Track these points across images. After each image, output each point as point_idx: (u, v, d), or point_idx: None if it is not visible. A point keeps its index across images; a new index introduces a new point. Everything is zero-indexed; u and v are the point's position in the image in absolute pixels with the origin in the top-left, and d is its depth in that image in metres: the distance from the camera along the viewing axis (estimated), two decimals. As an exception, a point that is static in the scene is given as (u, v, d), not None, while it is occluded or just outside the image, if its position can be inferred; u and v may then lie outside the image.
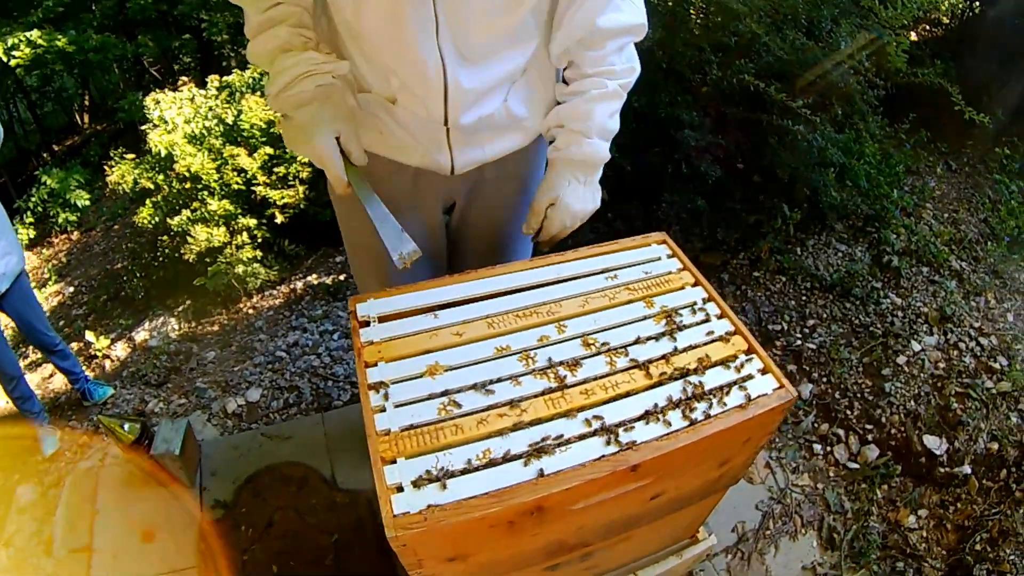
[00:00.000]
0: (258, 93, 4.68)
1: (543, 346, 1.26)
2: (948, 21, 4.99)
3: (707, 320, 1.34)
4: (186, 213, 4.55)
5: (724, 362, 1.25)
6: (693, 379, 1.21)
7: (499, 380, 1.20)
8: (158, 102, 4.90)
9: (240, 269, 4.36)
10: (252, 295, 4.71)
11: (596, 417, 1.14)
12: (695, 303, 1.37)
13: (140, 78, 9.61)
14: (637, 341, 1.27)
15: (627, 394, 1.18)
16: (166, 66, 9.56)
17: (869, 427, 2.67)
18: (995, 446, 2.55)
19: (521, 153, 1.57)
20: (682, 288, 1.41)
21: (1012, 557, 2.28)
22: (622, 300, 1.36)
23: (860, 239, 3.44)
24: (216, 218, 4.45)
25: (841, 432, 2.69)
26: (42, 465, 3.03)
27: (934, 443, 2.58)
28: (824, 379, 2.84)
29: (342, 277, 4.44)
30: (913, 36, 4.80)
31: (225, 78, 5.18)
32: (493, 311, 1.33)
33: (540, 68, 1.45)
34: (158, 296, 5.42)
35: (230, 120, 4.60)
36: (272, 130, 4.45)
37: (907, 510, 2.48)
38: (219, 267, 4.41)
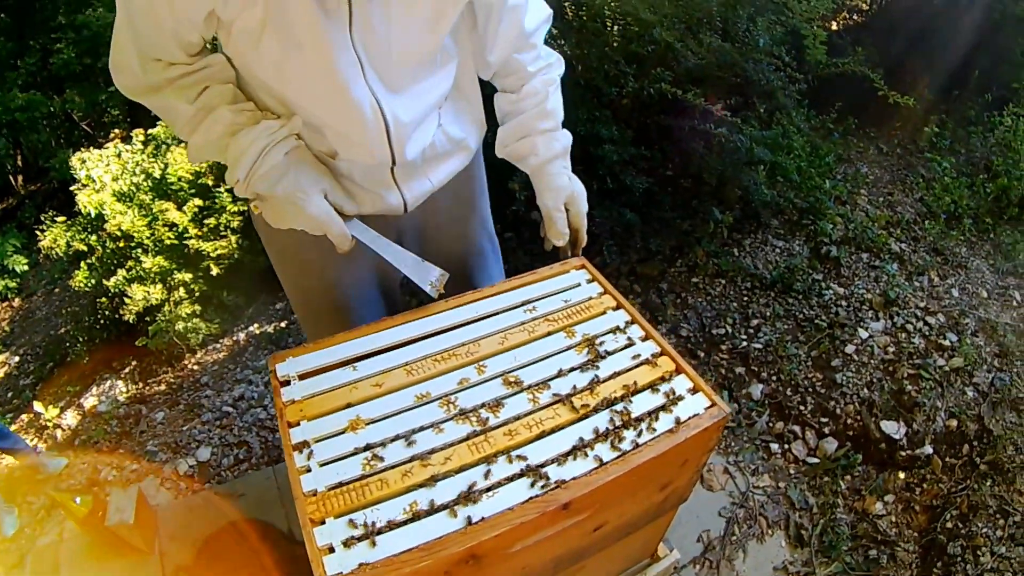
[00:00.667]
0: (183, 145, 4.56)
1: (463, 389, 1.22)
2: (867, 7, 5.11)
3: (631, 344, 1.30)
4: (121, 273, 4.42)
5: (651, 385, 1.21)
6: (619, 407, 1.16)
7: (421, 429, 1.16)
8: (84, 161, 4.76)
9: (180, 326, 4.24)
10: (196, 351, 4.59)
11: (520, 458, 1.10)
12: (618, 327, 1.33)
13: (70, 134, 9.39)
14: (559, 374, 1.23)
15: (552, 431, 1.14)
16: (96, 121, 9.36)
17: (825, 420, 2.67)
18: (954, 423, 2.56)
19: (465, 172, 1.56)
20: (603, 313, 1.37)
21: (985, 530, 2.28)
22: (541, 333, 1.32)
23: (797, 233, 3.46)
24: (152, 276, 4.32)
25: (797, 428, 2.68)
26: (3, 545, 2.93)
27: (892, 428, 2.58)
28: (774, 377, 2.83)
29: (283, 324, 4.37)
30: (834, 25, 4.90)
31: (150, 131, 5.06)
32: (412, 357, 1.28)
33: (462, 84, 1.45)
34: (103, 359, 5.29)
35: (157, 174, 4.48)
36: (200, 181, 4.36)
37: (873, 497, 2.47)
38: (159, 325, 4.28)
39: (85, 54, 7.83)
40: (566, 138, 1.50)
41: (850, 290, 3.10)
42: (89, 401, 4.90)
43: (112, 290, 4.48)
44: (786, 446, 2.65)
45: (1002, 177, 3.69)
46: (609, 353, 1.28)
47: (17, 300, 7.61)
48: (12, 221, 8.42)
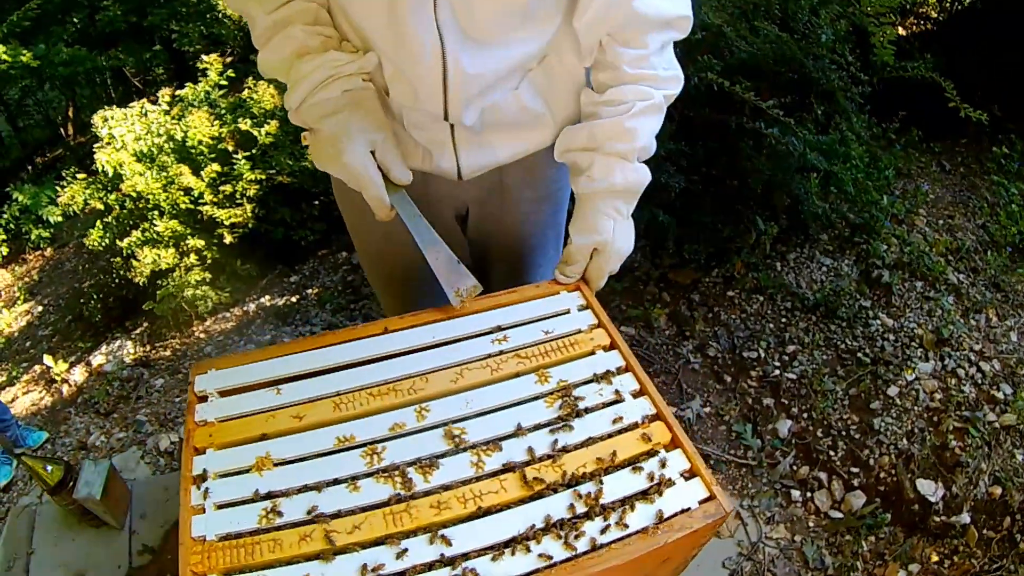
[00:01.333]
0: (205, 108, 4.41)
1: (395, 437, 0.97)
2: (936, 15, 4.72)
3: (618, 400, 1.02)
4: (136, 234, 4.32)
5: (634, 461, 0.94)
6: (585, 489, 0.90)
7: (335, 483, 0.92)
8: (106, 119, 4.65)
9: (189, 292, 4.12)
10: (205, 318, 4.48)
11: (445, 540, 0.85)
12: (607, 373, 1.06)
13: (116, 90, 9.42)
14: (516, 433, 0.97)
15: (491, 510, 0.88)
16: (145, 79, 9.38)
17: (855, 470, 2.37)
18: (997, 490, 2.26)
19: (545, 151, 1.33)
20: (591, 353, 1.09)
21: (1016, 619, 2.01)
22: (507, 373, 1.05)
23: (847, 251, 3.14)
24: (165, 239, 4.20)
25: (823, 476, 2.38)
26: (-5, 496, 2.96)
27: (928, 488, 2.28)
28: (805, 414, 2.53)
29: (294, 299, 4.22)
30: (901, 31, 4.53)
31: (178, 92, 4.93)
32: (345, 387, 1.04)
33: (562, 55, 1.20)
34: (117, 318, 5.26)
35: (180, 137, 4.34)
36: (220, 146, 4.20)
37: (896, 565, 2.19)
38: (167, 290, 4.16)
39: (131, 12, 7.83)
40: (637, 175, 1.22)
41: (900, 323, 2.78)
42: (97, 359, 4.87)
43: (125, 251, 4.39)
44: (808, 494, 2.36)
45: (1074, 211, 3.32)
46: (588, 410, 1.00)
47: (49, 250, 7.69)
48: (53, 171, 8.50)
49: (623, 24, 1.12)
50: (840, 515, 2.30)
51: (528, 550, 0.84)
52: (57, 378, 4.75)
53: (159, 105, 4.79)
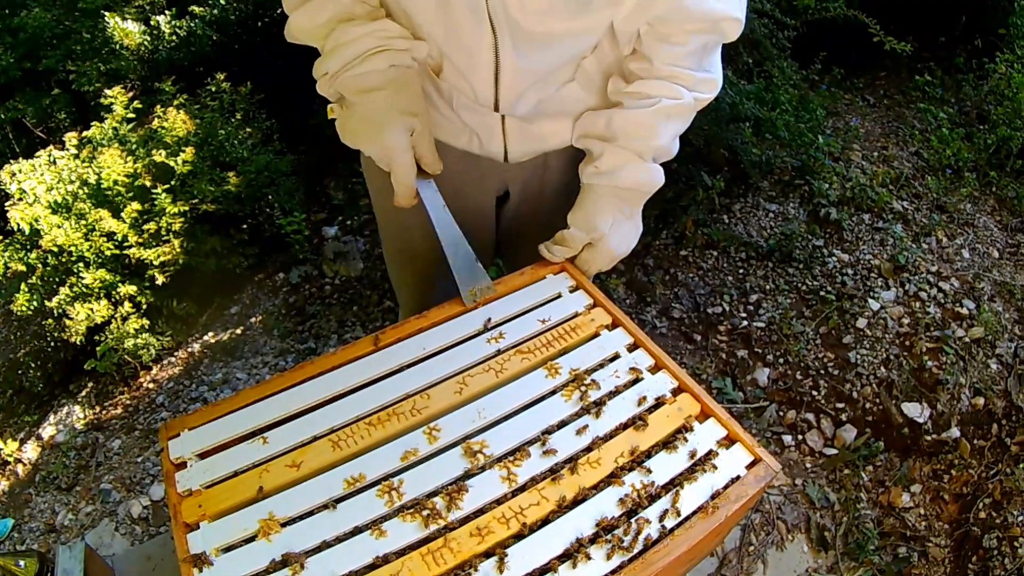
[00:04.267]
0: (115, 145, 4.17)
1: (410, 467, 0.87)
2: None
3: (637, 379, 0.96)
4: (64, 291, 4.06)
5: (671, 440, 0.88)
6: (629, 479, 0.83)
7: (355, 532, 0.82)
8: (14, 174, 4.36)
9: (129, 343, 3.89)
10: (150, 367, 4.26)
11: (500, 565, 0.77)
12: (616, 355, 0.99)
13: (19, 143, 8.91)
14: (541, 437, 0.89)
15: (537, 524, 0.81)
16: (48, 128, 8.90)
17: (840, 405, 2.38)
18: (980, 401, 2.30)
19: None
20: (596, 335, 1.03)
21: (1021, 519, 2.06)
22: (514, 371, 0.97)
23: (790, 194, 3.15)
24: (95, 291, 3.96)
25: (811, 417, 2.39)
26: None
27: (915, 410, 2.31)
28: (781, 359, 2.53)
29: (239, 331, 4.05)
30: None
31: (85, 133, 4.65)
32: (340, 421, 0.93)
33: (613, 41, 1.13)
34: (60, 383, 4.98)
35: (93, 180, 4.09)
36: (136, 183, 3.97)
37: (898, 489, 2.23)
38: (107, 345, 3.93)
39: (24, 58, 7.39)
40: (648, 175, 1.15)
41: (855, 256, 2.81)
42: (47, 431, 4.61)
43: (56, 311, 4.12)
44: (800, 437, 2.37)
45: (1001, 127, 3.39)
46: (610, 395, 0.94)
47: (-24, 323, 7.27)
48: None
49: (664, 16, 1.04)
50: (835, 451, 2.31)
51: (589, 557, 0.77)
52: (9, 459, 4.48)
53: (67, 150, 4.51)
